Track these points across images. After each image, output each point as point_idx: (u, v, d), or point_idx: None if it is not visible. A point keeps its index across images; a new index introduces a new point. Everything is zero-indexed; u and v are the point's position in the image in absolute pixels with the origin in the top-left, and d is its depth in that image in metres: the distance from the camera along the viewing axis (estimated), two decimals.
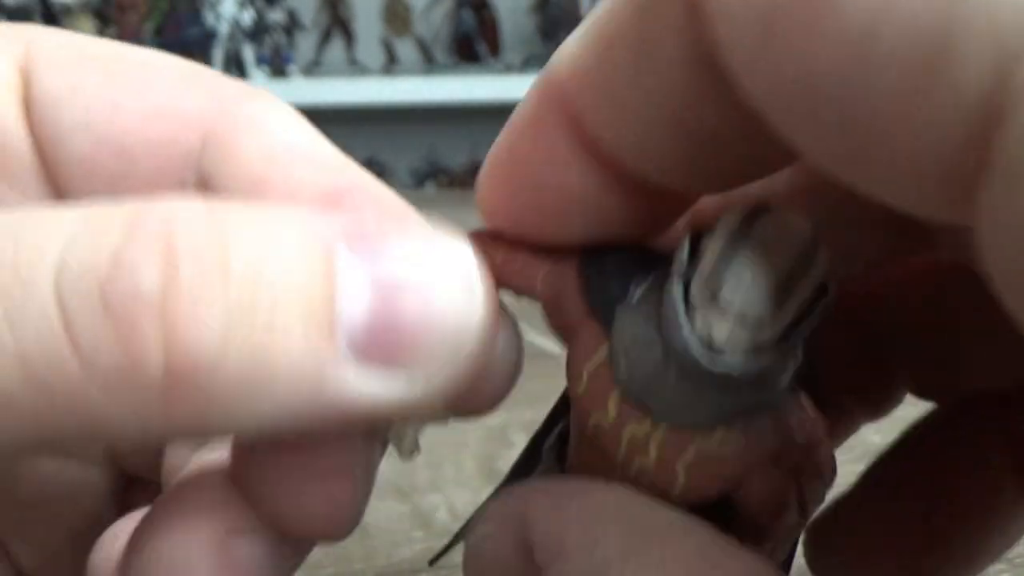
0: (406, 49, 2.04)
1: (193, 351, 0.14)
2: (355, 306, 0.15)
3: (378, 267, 0.15)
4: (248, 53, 1.86)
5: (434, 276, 0.15)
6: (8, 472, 0.21)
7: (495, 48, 2.04)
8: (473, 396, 0.18)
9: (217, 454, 0.19)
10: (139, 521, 0.17)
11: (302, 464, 0.17)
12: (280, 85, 1.80)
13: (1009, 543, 0.22)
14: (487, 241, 0.18)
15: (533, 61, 2.01)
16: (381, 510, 0.35)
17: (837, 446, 0.22)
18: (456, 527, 0.24)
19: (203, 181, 0.21)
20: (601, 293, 0.17)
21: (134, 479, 0.22)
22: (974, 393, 0.22)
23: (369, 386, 0.15)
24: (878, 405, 0.23)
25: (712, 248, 0.15)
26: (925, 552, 0.21)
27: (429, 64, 2.03)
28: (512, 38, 2.07)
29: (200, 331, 0.14)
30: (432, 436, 0.19)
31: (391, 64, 2.02)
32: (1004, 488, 0.21)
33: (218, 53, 1.84)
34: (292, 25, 1.94)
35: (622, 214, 0.17)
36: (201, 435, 0.16)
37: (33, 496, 0.22)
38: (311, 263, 0.15)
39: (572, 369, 0.17)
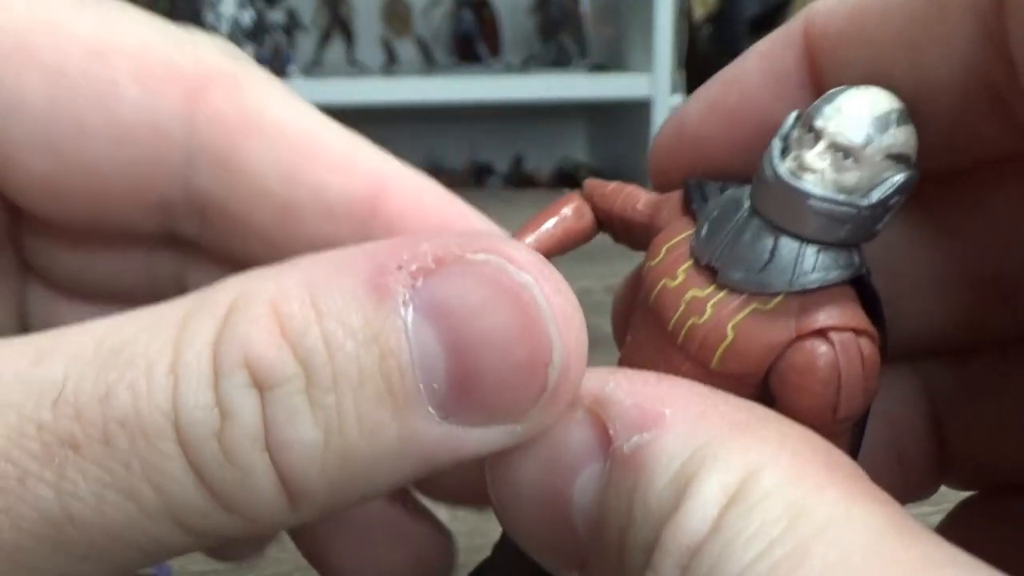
0: (406, 49, 2.04)
1: (300, 474, 0.14)
2: (433, 370, 0.15)
3: (444, 326, 0.15)
4: (248, 53, 1.85)
5: (503, 321, 0.15)
6: None
7: (495, 48, 2.04)
8: None
9: None
10: None
11: None
12: None
13: None
14: (596, 181, 0.21)
15: (533, 61, 2.01)
16: None
17: None
18: (455, 527, 0.24)
19: (197, 197, 0.19)
20: (699, 200, 0.19)
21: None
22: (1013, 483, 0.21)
23: (468, 440, 0.15)
24: (923, 488, 0.22)
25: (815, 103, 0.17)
26: None
27: (429, 64, 2.02)
28: (512, 38, 2.07)
29: (301, 455, 0.14)
30: None
31: (391, 64, 2.01)
32: None
33: None
34: (292, 25, 1.94)
35: None
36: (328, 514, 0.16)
37: None
38: (382, 345, 0.14)
39: (654, 249, 0.19)
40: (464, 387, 0.15)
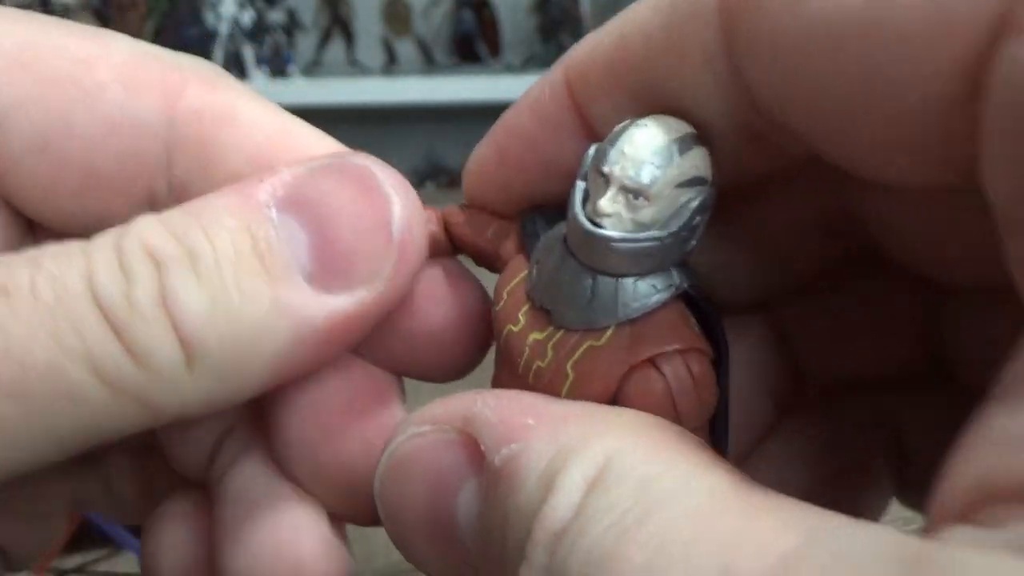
0: (406, 49, 2.04)
1: (193, 329, 0.17)
2: (299, 248, 0.18)
3: (304, 211, 0.18)
4: (248, 53, 1.86)
5: (349, 196, 0.18)
6: None
7: (495, 48, 2.04)
8: (434, 353, 0.21)
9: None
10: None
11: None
12: (280, 85, 1.80)
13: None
14: (454, 208, 0.21)
15: (533, 61, 2.01)
16: None
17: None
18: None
19: (178, 190, 0.21)
20: (533, 234, 0.20)
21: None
22: (855, 381, 0.24)
23: (337, 304, 0.18)
24: (793, 412, 0.24)
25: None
26: None
27: (429, 64, 2.03)
28: (512, 38, 2.07)
29: (193, 313, 0.17)
30: None
31: (391, 64, 2.02)
32: (876, 467, 0.24)
33: (218, 53, 1.84)
34: (292, 25, 1.94)
35: None
36: (230, 396, 0.18)
37: None
38: (253, 233, 0.18)
39: (497, 293, 0.19)
40: (325, 255, 0.18)
